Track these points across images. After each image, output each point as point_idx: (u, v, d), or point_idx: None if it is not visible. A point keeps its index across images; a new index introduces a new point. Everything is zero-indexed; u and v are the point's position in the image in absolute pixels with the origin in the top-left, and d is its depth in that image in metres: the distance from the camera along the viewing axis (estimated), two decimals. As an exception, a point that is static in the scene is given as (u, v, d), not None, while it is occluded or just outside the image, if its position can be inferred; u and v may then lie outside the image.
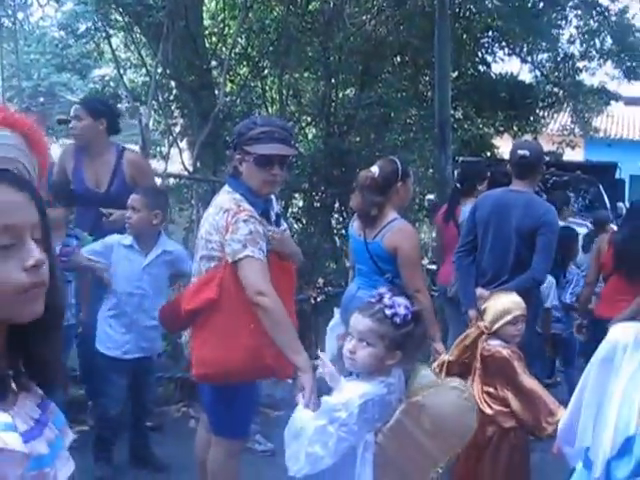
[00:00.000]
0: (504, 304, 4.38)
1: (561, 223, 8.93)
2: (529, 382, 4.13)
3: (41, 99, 15.15)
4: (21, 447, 1.40)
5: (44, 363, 1.55)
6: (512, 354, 4.24)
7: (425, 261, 10.15)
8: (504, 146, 15.71)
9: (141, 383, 5.45)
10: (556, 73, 15.19)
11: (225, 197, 3.99)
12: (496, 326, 4.31)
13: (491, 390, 4.28)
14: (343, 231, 10.19)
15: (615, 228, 8.05)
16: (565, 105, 16.39)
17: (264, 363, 3.89)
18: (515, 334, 4.34)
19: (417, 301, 4.82)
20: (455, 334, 5.93)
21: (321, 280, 9.16)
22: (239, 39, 10.34)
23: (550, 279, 6.71)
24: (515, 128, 15.32)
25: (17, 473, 1.38)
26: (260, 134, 3.89)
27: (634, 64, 14.68)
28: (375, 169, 5.14)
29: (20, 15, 12.83)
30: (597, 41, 14.74)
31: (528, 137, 15.57)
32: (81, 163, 5.81)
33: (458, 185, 7.06)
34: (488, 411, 4.25)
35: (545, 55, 15.09)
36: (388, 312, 3.16)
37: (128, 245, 5.19)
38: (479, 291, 5.39)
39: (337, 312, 5.30)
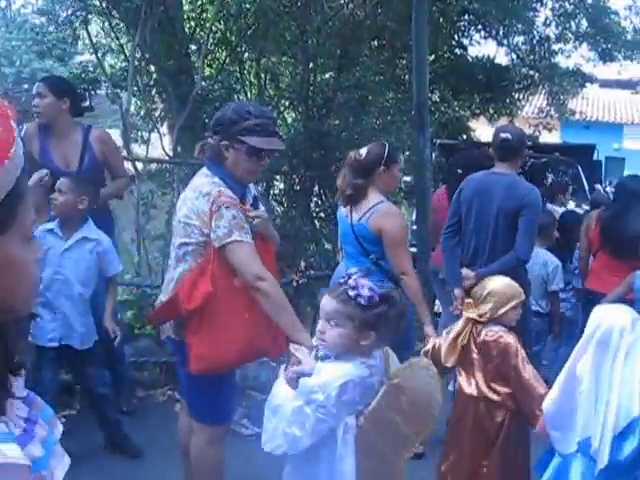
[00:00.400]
0: (507, 290, 4.34)
1: (562, 208, 9.13)
2: (528, 371, 4.09)
3: (25, 85, 15.09)
4: (23, 459, 1.32)
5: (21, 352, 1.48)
6: (515, 339, 4.22)
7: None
8: (480, 129, 15.83)
9: (82, 374, 5.42)
10: (532, 56, 15.24)
11: (204, 180, 3.94)
12: (500, 312, 4.26)
13: (494, 375, 4.25)
14: (322, 214, 10.26)
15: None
16: (541, 87, 16.45)
17: (260, 347, 3.95)
18: (515, 319, 4.33)
19: (404, 283, 4.95)
20: (447, 315, 6.05)
21: (303, 263, 9.19)
22: (217, 23, 10.33)
23: (556, 262, 6.79)
24: (491, 111, 15.38)
25: None
26: (256, 126, 3.85)
27: (609, 46, 14.79)
28: (363, 151, 5.19)
29: (2, 3, 12.80)
30: (573, 23, 14.81)
31: (504, 120, 15.66)
32: (47, 144, 5.72)
33: (459, 171, 7.13)
34: (495, 397, 4.23)
35: (521, 38, 15.14)
36: (351, 293, 3.17)
37: (49, 230, 5.12)
38: (464, 271, 5.48)
39: None
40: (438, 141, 12.81)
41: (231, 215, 3.77)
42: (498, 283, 4.39)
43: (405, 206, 12.51)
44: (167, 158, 9.45)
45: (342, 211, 5.37)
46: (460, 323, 4.40)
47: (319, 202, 10.38)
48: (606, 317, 3.33)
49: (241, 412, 5.82)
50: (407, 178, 11.21)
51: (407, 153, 10.66)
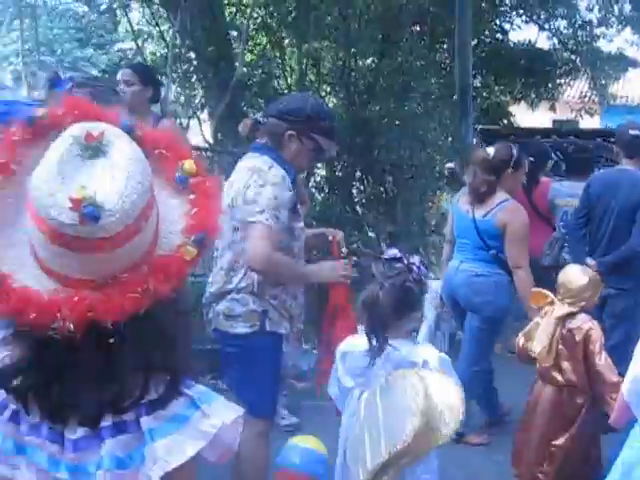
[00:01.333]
0: (595, 276, 4.39)
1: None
2: (602, 358, 4.10)
3: (67, 74, 15.27)
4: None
5: None
6: (597, 325, 4.25)
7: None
8: (519, 114, 15.63)
9: None
10: (573, 40, 15.05)
11: (252, 160, 3.86)
12: (595, 298, 4.33)
13: (580, 361, 4.22)
14: (364, 200, 10.19)
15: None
16: (582, 72, 16.24)
17: None
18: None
19: (517, 276, 5.28)
20: None
21: (345, 250, 9.09)
22: (258, 9, 10.30)
23: None
24: (532, 95, 15.21)
25: None
26: (330, 129, 3.92)
27: (653, 29, 14.58)
28: (491, 150, 5.46)
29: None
30: (615, 7, 14.63)
31: (545, 104, 15.48)
32: None
33: (531, 159, 7.18)
34: (579, 382, 4.23)
35: (563, 22, 14.94)
36: None
37: None
38: (589, 261, 5.69)
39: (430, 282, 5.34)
40: (479, 127, 12.69)
41: (273, 194, 3.66)
42: (588, 272, 4.44)
43: (446, 191, 12.41)
44: (206, 145, 9.41)
45: (461, 206, 5.60)
46: (551, 324, 4.28)
47: (361, 188, 10.32)
48: None
49: (280, 402, 5.69)
50: (450, 164, 11.13)
51: (450, 139, 10.56)
